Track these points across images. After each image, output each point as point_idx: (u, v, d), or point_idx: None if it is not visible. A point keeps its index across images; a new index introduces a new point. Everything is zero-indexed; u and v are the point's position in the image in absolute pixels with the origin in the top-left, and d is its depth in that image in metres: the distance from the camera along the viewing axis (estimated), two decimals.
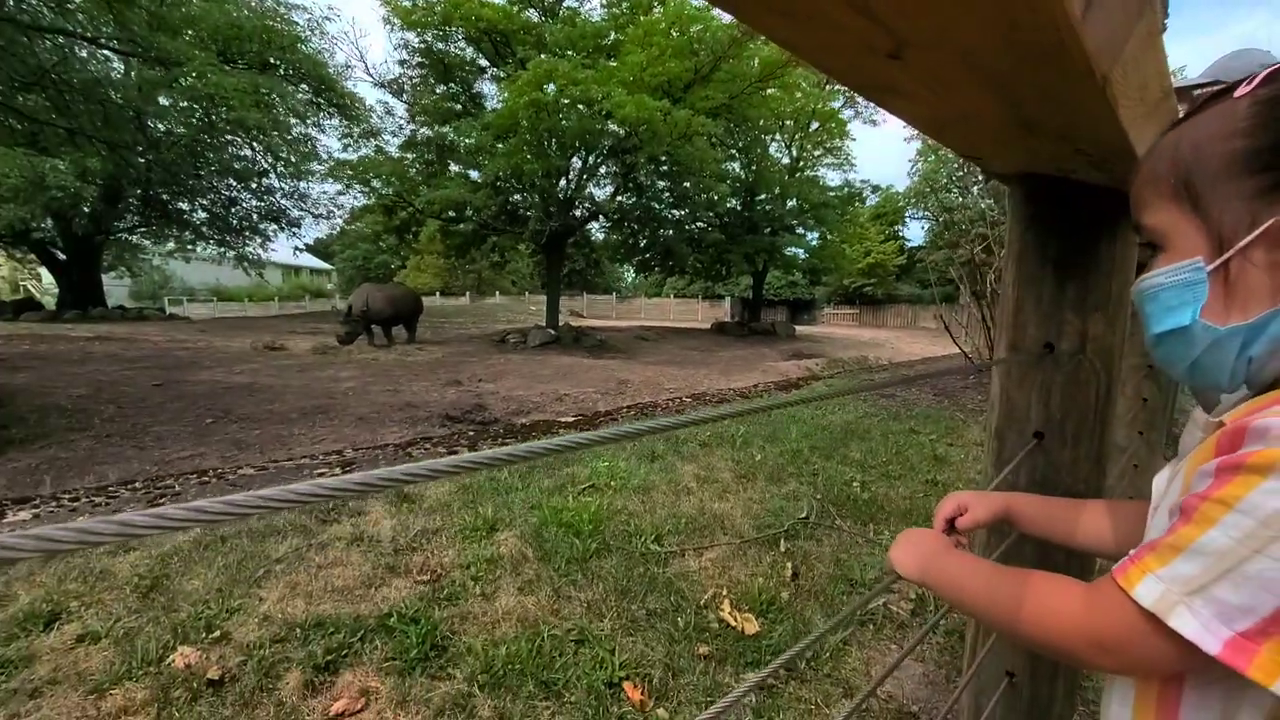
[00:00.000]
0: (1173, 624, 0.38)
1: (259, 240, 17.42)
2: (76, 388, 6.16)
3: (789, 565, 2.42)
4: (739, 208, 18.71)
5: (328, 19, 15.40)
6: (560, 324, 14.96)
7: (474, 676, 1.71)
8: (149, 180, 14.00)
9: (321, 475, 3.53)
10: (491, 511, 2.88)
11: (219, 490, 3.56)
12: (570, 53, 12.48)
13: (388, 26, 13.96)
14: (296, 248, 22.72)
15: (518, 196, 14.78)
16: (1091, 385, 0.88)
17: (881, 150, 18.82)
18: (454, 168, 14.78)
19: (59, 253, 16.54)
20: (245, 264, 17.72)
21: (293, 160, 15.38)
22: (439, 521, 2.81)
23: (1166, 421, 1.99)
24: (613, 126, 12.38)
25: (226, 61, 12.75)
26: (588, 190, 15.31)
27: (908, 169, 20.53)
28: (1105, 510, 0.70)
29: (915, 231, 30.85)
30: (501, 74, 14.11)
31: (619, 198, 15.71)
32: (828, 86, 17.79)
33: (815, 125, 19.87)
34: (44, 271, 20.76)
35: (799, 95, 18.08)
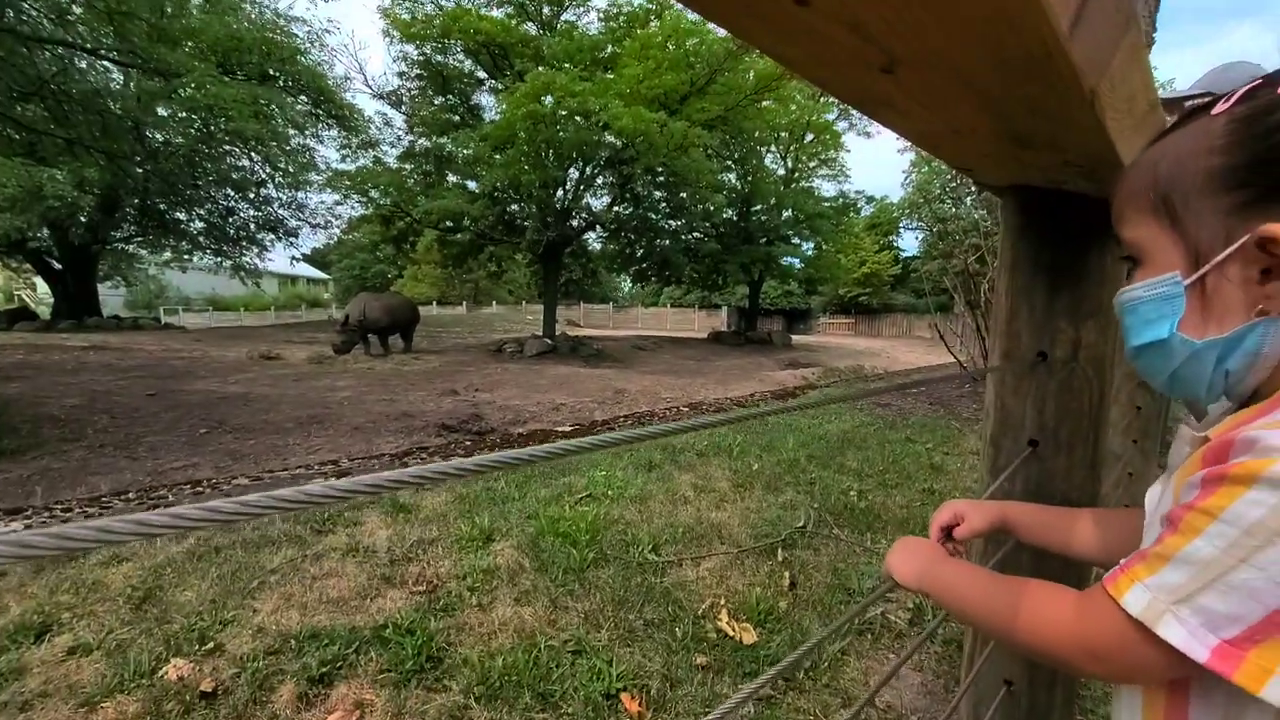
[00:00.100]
0: (1160, 632, 0.39)
1: (256, 250, 17.40)
2: (70, 398, 6.12)
3: (787, 574, 2.41)
4: (735, 218, 18.87)
5: (328, 31, 15.52)
6: (557, 333, 14.97)
7: (470, 688, 1.69)
8: (147, 190, 14.02)
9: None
10: (488, 521, 2.87)
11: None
12: (568, 65, 12.59)
13: (387, 39, 14.13)
14: (293, 257, 22.69)
15: (515, 207, 14.85)
16: (1085, 393, 0.88)
17: (875, 161, 18.98)
18: (452, 178, 14.85)
19: (55, 262, 16.53)
20: (242, 273, 17.71)
21: (291, 170, 15.42)
22: (435, 531, 2.79)
23: (1161, 429, 2.00)
24: (610, 138, 12.49)
25: (226, 73, 12.81)
26: (585, 200, 15.41)
27: (902, 180, 20.72)
28: (1100, 519, 0.70)
29: (910, 242, 31.08)
30: (499, 86, 14.24)
31: (616, 208, 15.81)
32: (822, 99, 17.99)
33: (810, 137, 20.10)
34: (39, 281, 20.73)
35: (794, 108, 18.31)
